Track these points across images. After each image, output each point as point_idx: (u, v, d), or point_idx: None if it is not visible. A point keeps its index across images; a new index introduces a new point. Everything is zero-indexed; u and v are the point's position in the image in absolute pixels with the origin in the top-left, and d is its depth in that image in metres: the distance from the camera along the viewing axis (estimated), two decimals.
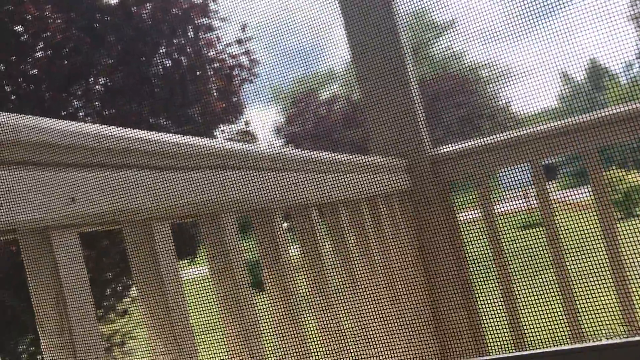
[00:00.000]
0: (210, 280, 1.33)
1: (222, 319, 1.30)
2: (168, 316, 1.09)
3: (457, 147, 2.23)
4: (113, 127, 1.01)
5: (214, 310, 1.31)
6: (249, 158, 1.37)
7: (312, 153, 1.63)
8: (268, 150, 1.49)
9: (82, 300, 0.93)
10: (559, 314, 1.83)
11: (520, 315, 1.84)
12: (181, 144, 1.14)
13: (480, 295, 2.06)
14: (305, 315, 1.55)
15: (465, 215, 2.35)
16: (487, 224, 2.16)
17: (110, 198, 0.96)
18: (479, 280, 2.22)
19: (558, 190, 2.22)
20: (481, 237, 2.22)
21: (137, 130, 1.06)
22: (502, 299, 2.01)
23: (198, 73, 4.39)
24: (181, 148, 1.13)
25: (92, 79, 4.23)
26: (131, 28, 4.07)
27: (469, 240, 2.27)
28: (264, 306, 1.52)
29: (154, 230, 1.07)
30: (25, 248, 0.92)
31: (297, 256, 1.72)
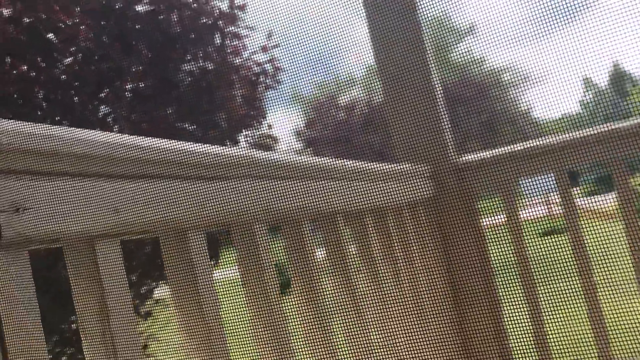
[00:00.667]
0: (239, 283, 1.37)
1: (251, 321, 1.33)
2: (203, 320, 1.12)
3: (481, 154, 2.24)
4: (152, 138, 1.05)
5: (244, 311, 1.34)
6: (278, 167, 1.40)
7: (336, 161, 1.66)
8: (295, 159, 1.52)
9: (123, 305, 0.97)
10: (584, 322, 1.83)
11: (546, 325, 1.85)
12: (216, 154, 1.17)
13: (505, 302, 2.06)
14: (332, 321, 1.58)
15: (490, 222, 2.35)
16: (512, 231, 2.17)
17: (150, 208, 1.00)
18: (504, 288, 2.22)
19: (581, 197, 2.21)
20: (506, 244, 2.23)
21: (175, 141, 1.10)
22: (527, 308, 2.02)
23: (224, 80, 4.45)
24: (215, 158, 1.17)
25: (121, 84, 4.31)
26: (160, 35, 4.15)
27: (493, 247, 2.28)
28: (292, 310, 1.55)
29: (190, 239, 1.11)
30: (69, 257, 0.96)
31: (324, 263, 1.74)
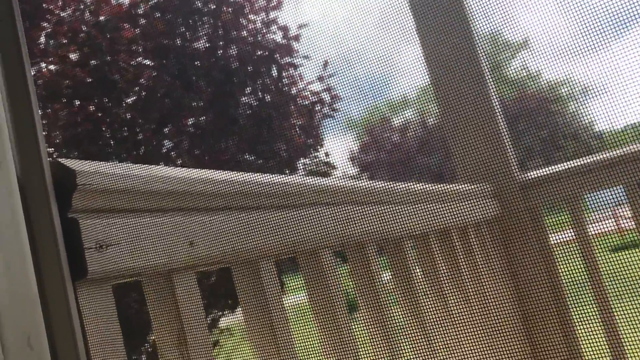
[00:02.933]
0: (307, 308, 1.39)
1: (321, 345, 1.35)
2: (275, 346, 1.14)
3: (545, 170, 2.20)
4: (220, 171, 1.09)
5: (314, 337, 1.36)
6: (340, 193, 1.42)
7: (399, 184, 1.66)
8: (357, 184, 1.53)
9: (201, 335, 1.00)
10: None
11: (624, 344, 1.78)
12: (282, 183, 1.20)
13: (578, 322, 2.00)
14: (400, 344, 1.57)
15: (558, 239, 2.30)
16: (581, 247, 2.11)
17: (223, 239, 1.03)
18: (576, 306, 2.15)
19: None
20: (575, 261, 2.17)
21: (241, 173, 1.14)
22: (602, 326, 1.95)
23: (282, 111, 4.54)
24: (282, 187, 1.20)
25: (184, 120, 4.46)
26: (218, 70, 4.29)
27: (562, 264, 2.22)
28: (361, 334, 1.55)
29: (260, 267, 1.14)
30: (149, 290, 1.00)
31: (390, 285, 1.74)
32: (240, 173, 1.11)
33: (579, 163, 2.02)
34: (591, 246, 2.12)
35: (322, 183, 1.35)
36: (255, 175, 1.14)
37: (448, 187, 1.88)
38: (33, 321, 0.85)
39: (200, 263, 1.01)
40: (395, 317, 1.64)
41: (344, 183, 1.43)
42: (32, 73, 4.30)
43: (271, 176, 1.19)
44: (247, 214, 1.10)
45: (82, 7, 4.27)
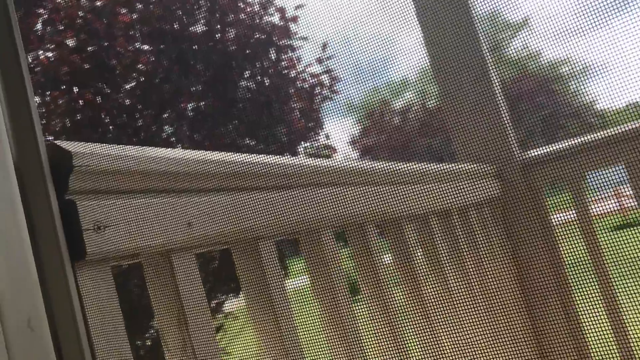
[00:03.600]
0: (309, 290, 1.39)
1: (323, 326, 1.35)
2: (276, 325, 1.14)
3: (546, 149, 2.19)
4: (219, 152, 1.09)
5: (316, 317, 1.36)
6: (341, 174, 1.41)
7: (399, 164, 1.66)
8: (358, 165, 1.53)
9: (201, 315, 1.00)
10: None
11: (626, 323, 1.79)
12: (280, 164, 1.20)
13: (580, 301, 2.00)
14: (403, 326, 1.57)
15: (559, 218, 2.29)
16: (582, 226, 2.11)
17: (221, 220, 1.03)
18: (577, 286, 2.16)
19: None
20: (577, 240, 2.17)
21: (240, 154, 1.13)
22: (604, 306, 1.96)
23: (281, 94, 4.53)
24: (281, 168, 1.20)
25: (183, 105, 4.45)
26: (216, 54, 4.27)
27: (564, 244, 2.22)
28: (362, 314, 1.56)
29: (260, 248, 1.14)
30: (148, 270, 1.00)
31: (391, 266, 1.74)
32: (236, 154, 1.10)
33: (580, 141, 2.01)
34: (593, 225, 2.12)
35: (321, 164, 1.34)
36: (251, 156, 1.14)
37: (449, 166, 1.87)
38: (33, 303, 0.85)
39: (199, 244, 1.01)
40: (397, 299, 1.64)
41: (342, 164, 1.43)
42: (29, 60, 4.28)
43: (269, 157, 1.18)
44: (246, 195, 1.10)
45: None
